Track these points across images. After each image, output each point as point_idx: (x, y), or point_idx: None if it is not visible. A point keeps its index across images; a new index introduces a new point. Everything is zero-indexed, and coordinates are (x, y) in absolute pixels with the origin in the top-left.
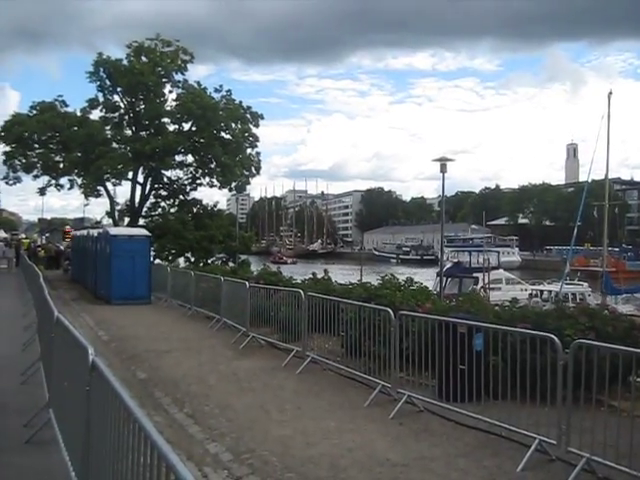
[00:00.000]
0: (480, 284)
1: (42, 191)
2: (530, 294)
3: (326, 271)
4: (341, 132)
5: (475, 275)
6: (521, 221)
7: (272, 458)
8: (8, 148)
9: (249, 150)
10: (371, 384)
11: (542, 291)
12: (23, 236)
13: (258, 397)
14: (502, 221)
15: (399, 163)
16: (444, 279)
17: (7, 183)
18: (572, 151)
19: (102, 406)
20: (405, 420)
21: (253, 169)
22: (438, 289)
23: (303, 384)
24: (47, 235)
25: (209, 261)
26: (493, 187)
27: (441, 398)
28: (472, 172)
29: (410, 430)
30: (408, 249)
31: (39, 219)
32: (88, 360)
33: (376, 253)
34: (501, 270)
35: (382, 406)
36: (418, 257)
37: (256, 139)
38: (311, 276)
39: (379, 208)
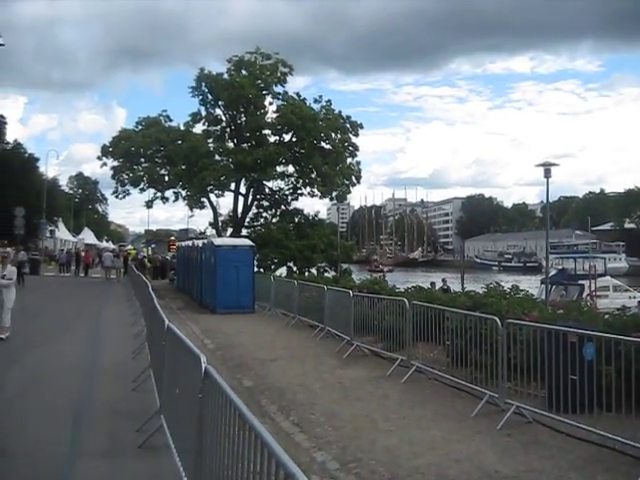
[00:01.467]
0: (586, 292)
1: (149, 204)
2: (639, 302)
3: (444, 280)
4: (440, 139)
5: (580, 282)
6: (628, 226)
7: (379, 468)
8: (116, 163)
9: (349, 159)
10: (477, 394)
11: None
12: (130, 247)
13: (363, 406)
14: (608, 226)
15: (500, 169)
16: (549, 287)
17: (116, 197)
18: None
19: (215, 413)
20: (513, 431)
21: (353, 178)
22: (543, 297)
23: (408, 393)
24: (153, 246)
25: (310, 270)
26: (597, 191)
27: (551, 409)
28: (575, 176)
29: (519, 442)
30: (510, 256)
31: (145, 230)
32: (201, 368)
33: (477, 261)
34: (608, 277)
35: (489, 417)
36: (520, 264)
37: (356, 148)
38: (414, 285)
39: (480, 215)
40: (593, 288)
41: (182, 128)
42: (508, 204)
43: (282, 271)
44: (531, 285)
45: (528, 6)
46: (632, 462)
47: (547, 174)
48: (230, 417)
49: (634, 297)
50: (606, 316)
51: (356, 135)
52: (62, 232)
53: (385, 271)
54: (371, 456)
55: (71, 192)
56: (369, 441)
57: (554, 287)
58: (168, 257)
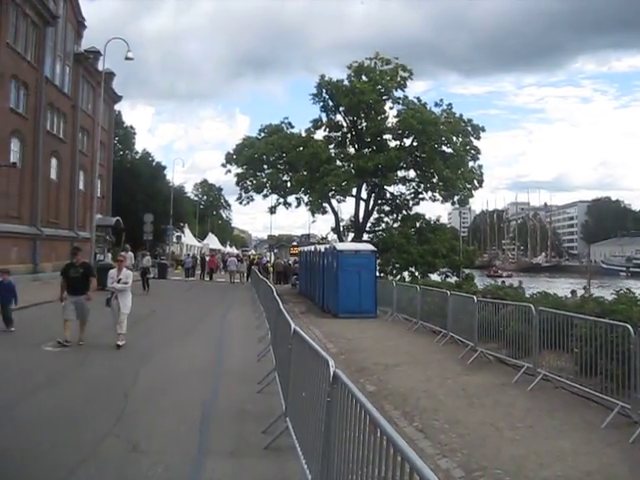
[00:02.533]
0: None
1: (272, 210)
2: None
3: (586, 288)
4: (564, 141)
5: None
6: None
7: (505, 477)
8: (240, 170)
9: (471, 163)
10: (608, 404)
11: None
12: (253, 252)
13: (488, 414)
14: None
15: (628, 170)
16: None
17: (240, 203)
18: None
19: (343, 417)
20: None
21: (475, 182)
22: None
23: (535, 402)
24: (275, 251)
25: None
26: None
27: None
28: None
29: None
30: (639, 261)
31: (268, 236)
32: (329, 372)
33: (604, 266)
34: None
35: (620, 429)
36: None
37: (478, 152)
38: (539, 291)
39: (606, 219)
40: None
41: (303, 134)
42: (637, 207)
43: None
44: None
45: None
46: None
47: None
48: (360, 421)
49: None
50: None
51: (478, 138)
52: (188, 237)
53: (504, 276)
54: (497, 465)
55: (196, 199)
56: (494, 450)
57: None
58: (290, 262)
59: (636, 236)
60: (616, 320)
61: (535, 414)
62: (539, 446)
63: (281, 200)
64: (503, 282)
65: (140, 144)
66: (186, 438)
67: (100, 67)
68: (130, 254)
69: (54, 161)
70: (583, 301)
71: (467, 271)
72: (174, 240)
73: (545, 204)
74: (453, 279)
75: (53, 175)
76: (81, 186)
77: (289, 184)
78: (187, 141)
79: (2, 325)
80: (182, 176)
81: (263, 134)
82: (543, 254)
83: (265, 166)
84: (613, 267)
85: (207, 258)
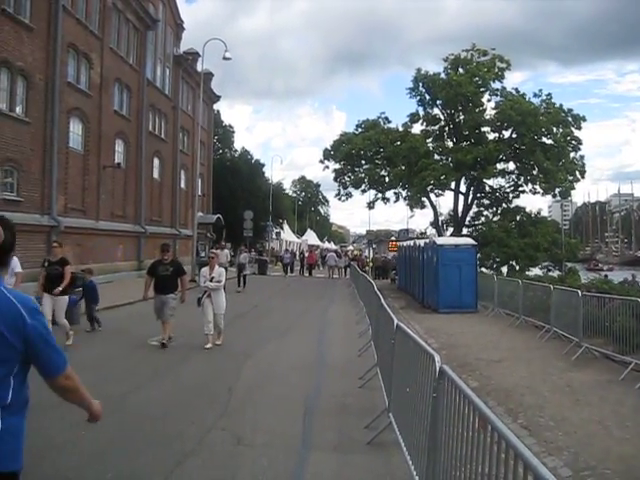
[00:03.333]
0: None
1: (370, 205)
2: None
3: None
4: None
5: None
6: None
7: (615, 477)
8: (337, 166)
9: (572, 154)
10: None
11: None
12: (351, 248)
13: (595, 411)
14: None
15: None
16: None
17: (339, 199)
18: None
19: (450, 413)
20: None
21: (577, 173)
22: None
23: None
24: (374, 246)
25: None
26: None
27: None
28: None
29: None
30: None
31: (367, 231)
32: (435, 368)
33: None
34: None
35: None
36: None
37: (579, 142)
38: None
39: None
40: None
41: (400, 129)
42: None
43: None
44: None
45: None
46: None
47: None
48: (467, 417)
49: None
50: None
51: (579, 128)
52: (287, 234)
53: (605, 270)
54: (606, 465)
55: (294, 195)
56: (603, 449)
57: None
58: (389, 257)
59: None
60: None
61: None
62: None
63: (379, 195)
64: (605, 276)
65: (239, 142)
66: (290, 432)
67: (199, 68)
68: (226, 251)
69: (156, 161)
70: None
71: (570, 265)
72: (273, 236)
73: None
74: (555, 273)
75: (156, 174)
76: (182, 185)
77: (387, 179)
78: (285, 138)
79: (88, 325)
80: (280, 173)
81: (360, 129)
82: None
83: (363, 161)
84: None
85: (306, 254)
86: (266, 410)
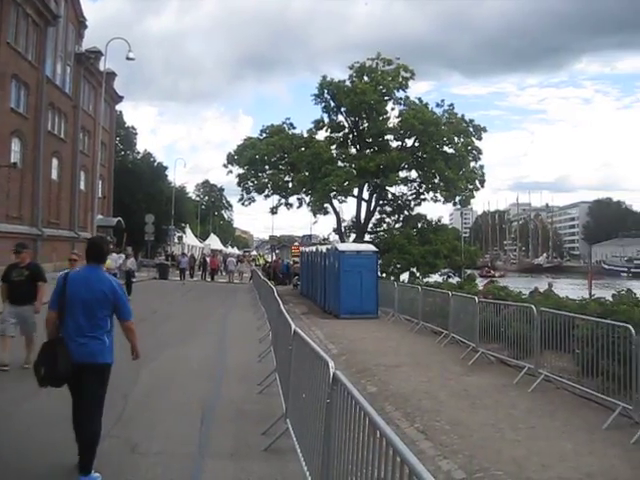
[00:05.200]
0: None
1: (273, 210)
2: None
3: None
4: (566, 142)
5: None
6: None
7: (507, 479)
8: (241, 170)
9: (472, 163)
10: (609, 405)
11: None
12: (254, 253)
13: (490, 414)
14: None
15: (629, 172)
16: None
17: (242, 204)
18: None
19: (343, 419)
20: None
21: (477, 182)
22: None
23: (536, 403)
24: (277, 252)
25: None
26: None
27: None
28: None
29: None
30: None
31: (270, 236)
32: (329, 373)
33: (605, 267)
34: None
35: (622, 429)
36: None
37: (479, 152)
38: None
39: (608, 219)
40: None
41: (305, 135)
42: (638, 208)
43: (404, 277)
44: None
45: None
46: None
47: None
48: (359, 423)
49: None
50: None
51: (479, 139)
52: (189, 238)
53: (497, 276)
54: (498, 467)
55: (198, 199)
56: (496, 451)
57: None
58: (292, 262)
59: (637, 237)
60: (617, 321)
61: (536, 415)
62: (540, 447)
63: (283, 201)
64: (493, 281)
65: (142, 145)
66: (186, 439)
67: (102, 67)
68: (114, 255)
69: (55, 161)
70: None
71: (469, 272)
72: (175, 241)
73: (547, 205)
74: (455, 280)
75: (54, 175)
76: (82, 186)
77: (291, 185)
78: (190, 142)
79: None
80: (184, 177)
81: (265, 135)
82: (544, 255)
83: (267, 167)
84: (614, 268)
85: (208, 259)
86: (162, 417)
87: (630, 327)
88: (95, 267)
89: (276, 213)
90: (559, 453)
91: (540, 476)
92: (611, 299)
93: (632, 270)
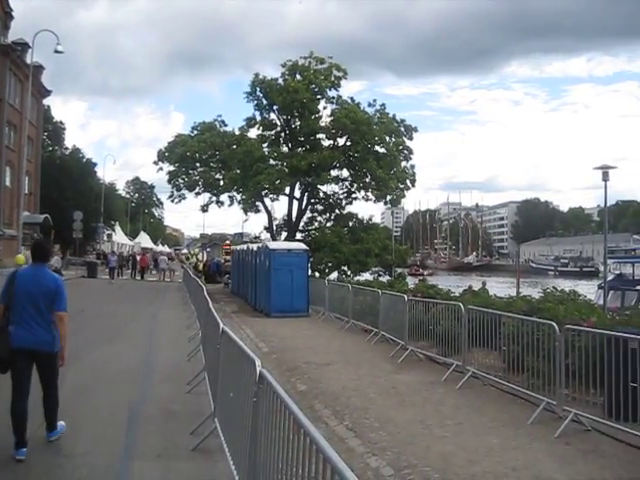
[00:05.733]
0: None
1: (204, 208)
2: None
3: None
4: (495, 143)
5: (639, 288)
6: None
7: (434, 474)
8: (172, 168)
9: (404, 163)
10: (534, 401)
11: None
12: (185, 251)
13: (418, 411)
14: None
15: (556, 173)
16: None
17: (172, 201)
18: None
19: (269, 417)
20: (572, 439)
21: (408, 182)
22: (600, 302)
23: (464, 399)
24: (208, 250)
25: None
26: None
27: (610, 417)
28: (634, 180)
29: (577, 450)
30: (566, 261)
31: (201, 234)
32: (255, 372)
33: (533, 265)
34: None
35: (546, 424)
36: (577, 269)
37: (410, 152)
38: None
39: (535, 219)
40: None
41: (237, 133)
42: (564, 208)
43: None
44: (588, 290)
45: (587, 6)
46: None
47: (605, 177)
48: (285, 421)
49: None
50: None
51: (410, 139)
52: (119, 236)
53: (425, 275)
54: (426, 463)
55: (128, 196)
56: (424, 447)
57: (611, 292)
58: (223, 260)
59: (564, 236)
60: (543, 318)
61: (464, 411)
62: (467, 443)
63: (214, 198)
64: (423, 279)
65: (72, 140)
66: (112, 440)
67: (29, 60)
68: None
69: None
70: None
71: (399, 270)
72: (105, 238)
73: (476, 204)
74: (385, 278)
75: None
76: (7, 182)
77: (222, 182)
78: (120, 138)
79: None
80: (114, 173)
81: (196, 132)
82: (474, 253)
83: (198, 164)
84: (542, 266)
85: (138, 257)
86: (88, 417)
87: (554, 324)
88: (41, 265)
89: (207, 211)
90: (485, 448)
91: (466, 471)
92: (537, 297)
93: (559, 269)
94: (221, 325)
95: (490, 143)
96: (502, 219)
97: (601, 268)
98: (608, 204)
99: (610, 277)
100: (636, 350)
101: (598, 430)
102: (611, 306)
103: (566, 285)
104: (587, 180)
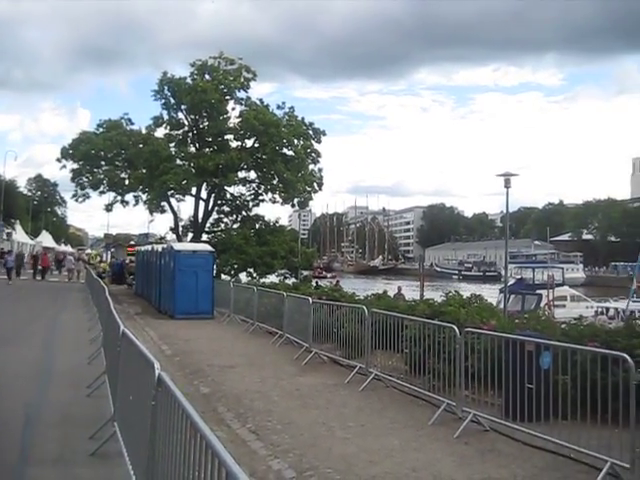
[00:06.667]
0: (544, 301)
1: (108, 207)
2: (595, 311)
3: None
4: (403, 148)
5: (539, 292)
6: (585, 237)
7: (335, 476)
8: (76, 165)
9: (311, 166)
10: (435, 402)
11: (608, 308)
12: (89, 251)
13: (321, 414)
14: (566, 237)
15: (461, 179)
16: (507, 296)
17: (76, 200)
18: (638, 165)
19: (167, 421)
20: (471, 439)
21: (315, 185)
22: (501, 306)
23: (366, 401)
24: (112, 250)
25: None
26: (557, 203)
27: (508, 417)
28: (535, 188)
29: (476, 450)
30: (470, 265)
31: (105, 235)
32: (154, 375)
33: (437, 269)
34: (566, 287)
35: (447, 425)
36: (480, 274)
37: (318, 155)
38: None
39: (440, 224)
40: (551, 298)
41: (144, 132)
42: (469, 214)
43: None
44: (491, 294)
45: (495, 18)
46: (587, 470)
47: (507, 184)
48: (182, 425)
49: (591, 307)
50: (563, 325)
51: (319, 142)
52: (19, 235)
53: (329, 277)
54: (328, 464)
55: (30, 194)
56: (326, 449)
57: (512, 296)
58: (127, 261)
59: (468, 241)
60: (444, 321)
61: (366, 413)
62: (369, 444)
63: (119, 198)
64: (317, 282)
65: None
66: (6, 446)
67: None
68: None
69: None
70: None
71: (306, 273)
72: (4, 237)
73: (383, 208)
74: (291, 281)
75: None
76: None
77: (127, 182)
78: (23, 133)
79: None
80: (16, 170)
81: (102, 129)
82: (380, 257)
83: (102, 162)
84: (446, 270)
85: (40, 257)
86: None
87: (455, 327)
88: None
89: (111, 210)
90: (387, 449)
91: (367, 472)
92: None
93: (462, 273)
94: (121, 327)
95: (398, 148)
96: (408, 223)
97: (503, 272)
98: (511, 210)
99: (511, 281)
100: (532, 352)
101: (496, 430)
102: (512, 310)
103: (469, 289)
104: (491, 187)
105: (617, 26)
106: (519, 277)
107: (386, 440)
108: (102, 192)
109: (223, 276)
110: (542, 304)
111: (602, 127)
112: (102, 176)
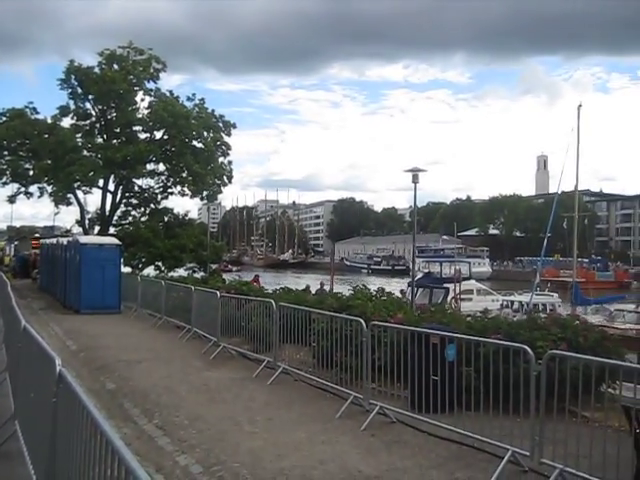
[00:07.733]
0: (451, 295)
1: (11, 199)
2: (501, 305)
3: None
4: (314, 143)
5: (446, 286)
6: (492, 232)
7: (243, 470)
8: None
9: (221, 159)
10: (343, 395)
11: (513, 302)
12: None
13: (229, 408)
14: (473, 232)
15: (371, 174)
16: (415, 289)
17: None
18: (542, 163)
19: (69, 418)
20: (377, 432)
21: (225, 178)
22: (409, 299)
23: (274, 395)
24: (16, 243)
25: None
26: (464, 198)
27: (413, 409)
28: (444, 183)
29: (382, 442)
30: (379, 259)
31: (8, 227)
32: (55, 371)
33: (347, 263)
34: (472, 281)
35: (354, 417)
36: (389, 267)
37: (228, 148)
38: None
39: (351, 218)
40: (458, 291)
41: (49, 121)
42: (379, 208)
43: (150, 271)
44: (399, 288)
45: (407, 16)
46: (490, 458)
47: (415, 180)
48: (83, 422)
49: (496, 300)
50: (468, 318)
51: (228, 135)
52: None
53: (234, 271)
54: (235, 459)
55: None
56: (233, 444)
57: (420, 290)
58: (31, 255)
59: (377, 235)
60: (352, 315)
61: (274, 407)
62: (277, 438)
63: (22, 189)
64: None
65: None
66: None
67: None
68: None
69: None
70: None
71: (214, 266)
72: None
73: (294, 202)
74: (200, 274)
75: None
76: None
77: (32, 172)
78: None
79: None
80: None
81: (4, 118)
82: (290, 251)
83: (5, 152)
84: (355, 264)
85: None
86: None
87: (362, 321)
88: None
89: (14, 202)
90: (294, 443)
91: (275, 466)
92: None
93: (372, 267)
94: (22, 322)
95: (309, 142)
96: (318, 217)
97: (411, 266)
98: (419, 205)
99: (419, 275)
100: (437, 345)
101: (402, 422)
102: (419, 303)
103: (378, 283)
104: (400, 182)
105: (523, 29)
106: (427, 271)
107: (294, 434)
108: (5, 183)
109: (131, 270)
110: (449, 298)
111: (509, 125)
112: (5, 166)
